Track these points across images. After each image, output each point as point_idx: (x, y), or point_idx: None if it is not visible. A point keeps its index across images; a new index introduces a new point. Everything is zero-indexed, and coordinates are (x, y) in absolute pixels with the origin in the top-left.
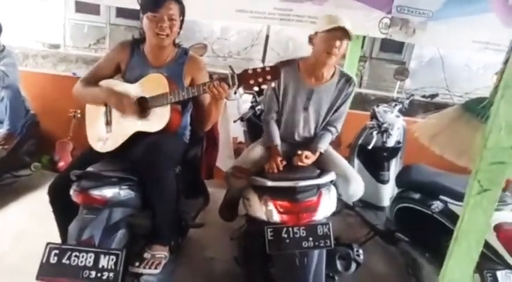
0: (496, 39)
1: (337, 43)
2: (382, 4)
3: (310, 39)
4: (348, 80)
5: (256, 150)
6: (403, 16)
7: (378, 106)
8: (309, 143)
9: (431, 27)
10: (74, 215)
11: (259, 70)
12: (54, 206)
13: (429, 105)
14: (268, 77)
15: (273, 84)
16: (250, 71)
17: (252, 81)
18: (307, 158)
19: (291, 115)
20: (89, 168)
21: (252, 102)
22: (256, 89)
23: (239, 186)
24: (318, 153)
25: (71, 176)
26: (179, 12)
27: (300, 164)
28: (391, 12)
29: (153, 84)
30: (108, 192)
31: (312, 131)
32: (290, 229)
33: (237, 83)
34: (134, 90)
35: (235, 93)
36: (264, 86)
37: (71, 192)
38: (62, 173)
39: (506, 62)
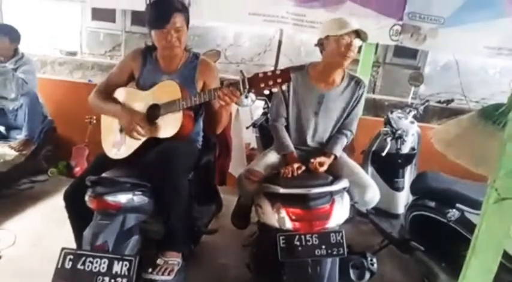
0: (509, 44)
1: (353, 46)
2: (394, 11)
3: (320, 43)
4: (358, 82)
5: (271, 156)
6: (414, 23)
7: (392, 112)
8: (322, 148)
9: (443, 33)
10: (89, 221)
11: (269, 73)
12: (69, 211)
13: (444, 111)
14: (279, 80)
15: (284, 87)
16: (260, 75)
17: (262, 85)
18: (321, 164)
19: (302, 120)
20: (104, 174)
21: (264, 109)
22: (267, 92)
23: (251, 190)
24: (332, 157)
25: (86, 182)
26: (185, 21)
27: (315, 171)
28: (402, 19)
29: (166, 90)
30: (123, 198)
31: (325, 136)
32: (302, 237)
33: (247, 86)
34: (147, 97)
35: (246, 97)
36: (274, 90)
37: (86, 197)
38: (77, 178)
39: None
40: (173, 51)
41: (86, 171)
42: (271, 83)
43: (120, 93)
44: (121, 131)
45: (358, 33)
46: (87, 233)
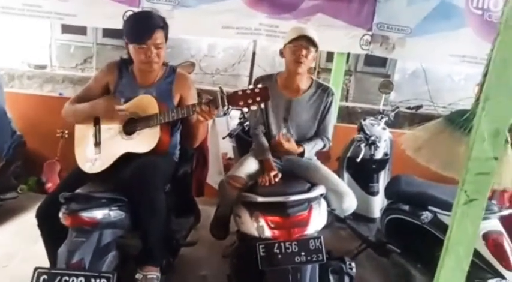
0: (472, 52)
1: (304, 51)
2: (363, 22)
3: (281, 53)
4: (325, 89)
5: (250, 163)
6: (383, 33)
7: (364, 119)
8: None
9: (410, 42)
10: (63, 238)
11: (248, 91)
12: (42, 229)
13: (414, 117)
14: (258, 98)
15: (262, 106)
16: (239, 92)
17: (241, 103)
18: (287, 140)
19: (273, 127)
20: (78, 190)
21: (240, 119)
22: (245, 109)
23: (233, 197)
24: (300, 149)
25: (59, 199)
26: (165, 37)
27: (278, 142)
28: (371, 29)
29: (143, 105)
30: (98, 213)
31: (299, 142)
32: (282, 244)
33: (226, 104)
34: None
35: (224, 114)
36: (253, 107)
37: (60, 214)
38: (49, 195)
39: (485, 74)
40: (152, 66)
41: (59, 187)
42: (250, 101)
43: None
44: (96, 144)
45: (311, 41)
46: (61, 250)
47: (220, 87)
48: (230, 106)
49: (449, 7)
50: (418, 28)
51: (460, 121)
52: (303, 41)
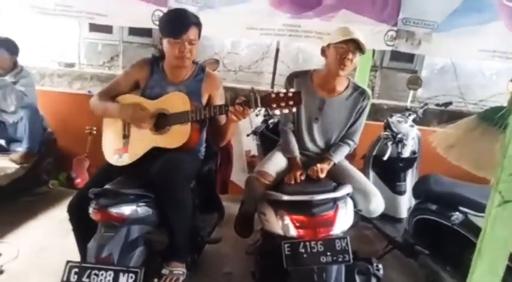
0: (503, 47)
1: (350, 55)
2: (388, 17)
3: (323, 51)
4: (362, 93)
5: (278, 159)
6: (408, 28)
7: (391, 116)
8: (322, 154)
9: (437, 38)
10: (93, 233)
11: (281, 95)
12: (73, 223)
13: (443, 114)
14: (291, 102)
15: (294, 109)
16: (273, 95)
17: (274, 105)
18: (322, 171)
19: (304, 125)
20: (107, 186)
21: (264, 116)
22: (277, 112)
23: (259, 192)
24: (331, 163)
25: (89, 194)
26: (198, 34)
27: (315, 177)
28: (396, 25)
29: (176, 101)
30: (126, 209)
31: (328, 142)
32: (307, 244)
33: (259, 105)
34: (155, 106)
35: (256, 115)
36: (285, 111)
37: (90, 210)
38: (80, 190)
39: None
40: (184, 62)
41: (89, 183)
42: (283, 104)
43: (124, 100)
44: (124, 137)
45: (359, 45)
46: (91, 245)
47: (252, 88)
48: (263, 107)
49: (480, 0)
50: (445, 23)
51: (494, 118)
52: (351, 45)
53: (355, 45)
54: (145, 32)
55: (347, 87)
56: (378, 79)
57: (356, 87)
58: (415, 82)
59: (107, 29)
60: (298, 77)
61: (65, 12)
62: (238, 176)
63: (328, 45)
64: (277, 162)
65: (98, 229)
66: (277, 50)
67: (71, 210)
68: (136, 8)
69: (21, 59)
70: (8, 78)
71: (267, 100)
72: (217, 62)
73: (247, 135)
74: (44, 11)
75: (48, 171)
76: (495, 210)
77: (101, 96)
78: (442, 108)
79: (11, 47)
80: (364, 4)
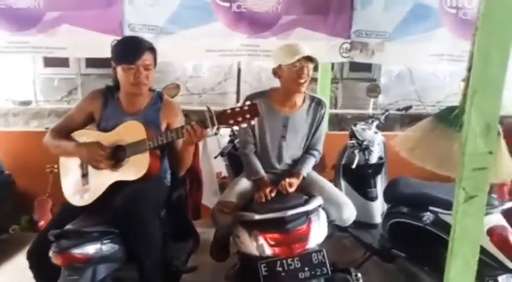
0: (450, 50)
1: (305, 70)
2: (341, 31)
3: (275, 72)
4: (319, 102)
5: (241, 184)
6: (361, 40)
7: (355, 125)
8: (291, 169)
9: (389, 46)
10: (56, 278)
11: (237, 109)
12: (34, 271)
13: (405, 118)
14: (248, 116)
15: (252, 123)
16: (228, 111)
17: (231, 121)
18: (291, 185)
19: (270, 145)
20: (68, 226)
21: (230, 136)
22: (236, 128)
23: (226, 223)
24: (301, 177)
25: (48, 237)
26: (154, 60)
27: (284, 192)
28: (350, 37)
29: (130, 131)
30: (90, 248)
31: (294, 158)
32: (284, 261)
33: (216, 123)
34: (110, 138)
35: (215, 134)
36: (243, 125)
37: (50, 254)
38: (39, 234)
39: (469, 69)
40: (140, 89)
41: (49, 225)
42: (240, 119)
43: (79, 136)
44: (83, 176)
45: (310, 58)
46: None
47: (207, 107)
48: (220, 125)
49: (424, 9)
50: (395, 32)
51: (450, 118)
52: (303, 61)
53: (306, 59)
54: (103, 63)
55: (304, 99)
56: (339, 90)
57: (312, 98)
58: (374, 90)
59: (64, 63)
60: (255, 98)
61: (19, 49)
62: (210, 199)
63: (280, 66)
64: (240, 187)
65: (62, 273)
66: (239, 70)
67: (30, 256)
68: (95, 39)
69: None
70: None
71: (224, 117)
72: (178, 86)
73: (215, 157)
74: None
75: (8, 216)
76: (462, 206)
77: (54, 133)
78: (403, 112)
79: None
80: (318, 21)
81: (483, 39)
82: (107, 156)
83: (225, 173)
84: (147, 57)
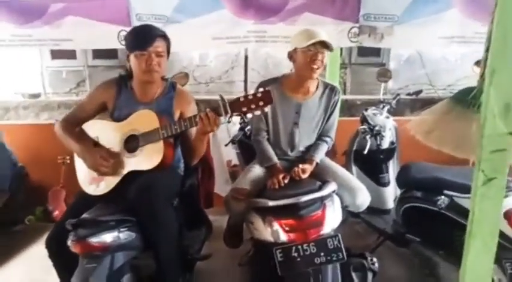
0: (460, 32)
1: (319, 56)
2: (349, 15)
3: (290, 56)
4: (332, 89)
5: (254, 171)
6: (370, 24)
7: (366, 110)
8: (304, 156)
9: (398, 30)
10: (76, 266)
11: (250, 97)
12: (53, 259)
13: (415, 102)
14: (261, 103)
15: (266, 110)
16: (242, 99)
17: (244, 109)
18: (304, 171)
19: (283, 132)
20: (84, 215)
21: (240, 124)
22: (249, 115)
23: (240, 209)
24: (314, 164)
25: (66, 226)
26: (166, 49)
27: (298, 178)
28: (358, 21)
29: (143, 120)
30: (107, 237)
31: (307, 144)
32: (299, 247)
33: (229, 112)
34: (123, 128)
35: (228, 122)
36: (256, 112)
37: (69, 242)
38: (57, 223)
39: (487, 49)
40: (153, 76)
41: (66, 214)
42: (253, 106)
43: (92, 126)
44: None
45: (326, 45)
46: (75, 280)
47: (220, 95)
48: (233, 113)
49: None
50: (404, 15)
51: (467, 99)
52: (319, 46)
53: (322, 45)
54: (111, 54)
55: (317, 86)
56: (348, 76)
57: (326, 85)
58: (384, 74)
59: (71, 55)
60: (268, 85)
61: (23, 42)
62: (222, 187)
63: (295, 50)
64: (253, 174)
65: (80, 261)
66: (246, 57)
67: (49, 245)
68: (101, 29)
69: None
70: None
71: (237, 105)
72: (186, 75)
73: (226, 145)
74: (1, 43)
75: (23, 207)
76: (480, 189)
77: (65, 124)
78: (414, 96)
79: None
80: (325, 5)
81: (502, 17)
82: (111, 165)
83: (235, 161)
84: (159, 44)
